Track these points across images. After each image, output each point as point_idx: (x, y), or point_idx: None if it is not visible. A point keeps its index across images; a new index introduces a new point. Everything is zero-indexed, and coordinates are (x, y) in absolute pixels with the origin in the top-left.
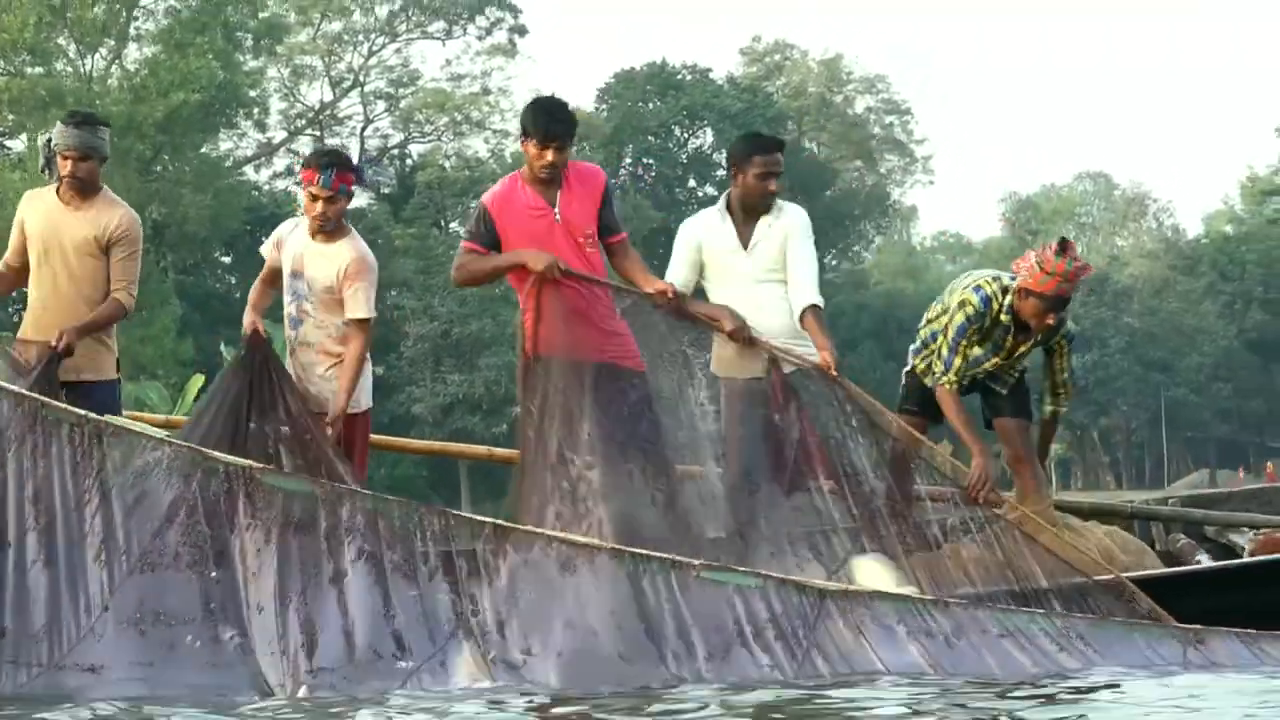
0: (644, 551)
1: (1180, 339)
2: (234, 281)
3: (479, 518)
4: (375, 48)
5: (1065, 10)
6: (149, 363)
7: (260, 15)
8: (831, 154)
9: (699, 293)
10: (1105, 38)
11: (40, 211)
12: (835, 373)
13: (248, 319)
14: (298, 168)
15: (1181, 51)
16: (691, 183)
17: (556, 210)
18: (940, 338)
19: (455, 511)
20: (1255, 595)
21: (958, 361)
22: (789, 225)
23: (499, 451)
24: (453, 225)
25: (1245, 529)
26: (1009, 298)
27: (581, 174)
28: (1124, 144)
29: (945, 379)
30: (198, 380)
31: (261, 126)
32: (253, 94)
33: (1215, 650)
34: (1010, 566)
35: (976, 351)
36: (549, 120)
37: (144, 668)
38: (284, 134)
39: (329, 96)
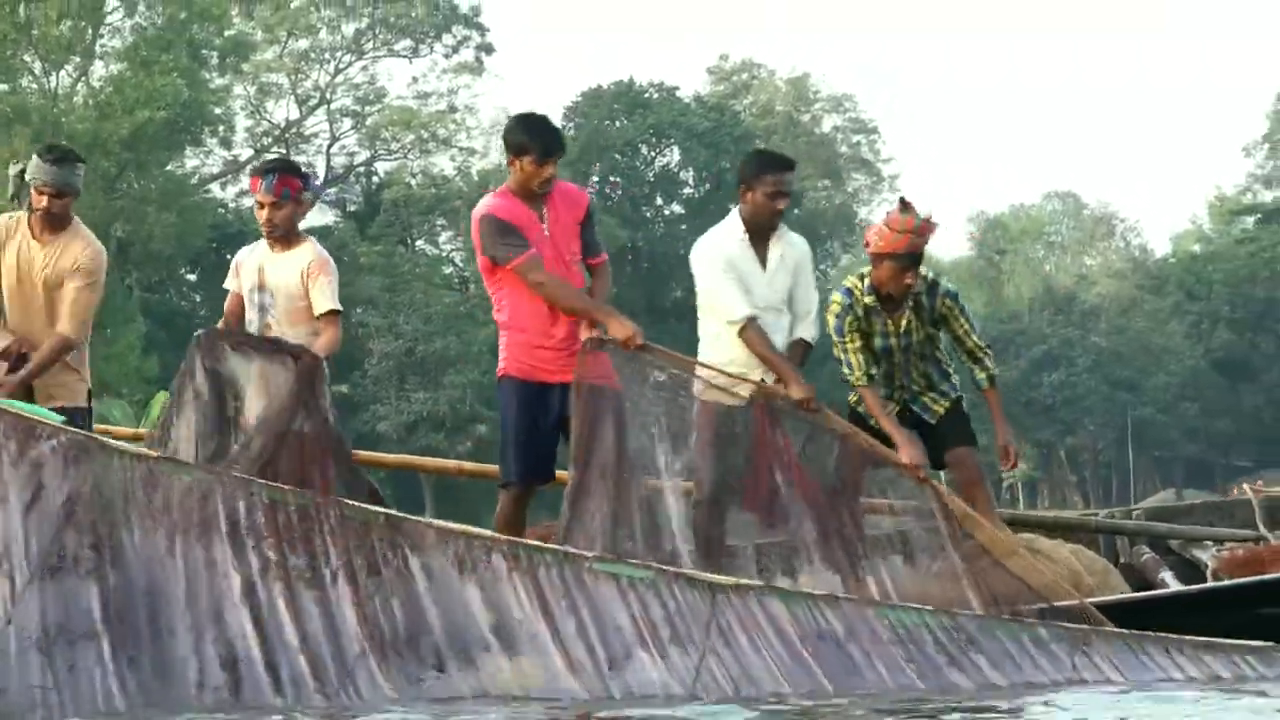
0: (537, 544)
1: (1147, 358)
2: (199, 299)
3: (373, 508)
4: (342, 65)
5: (1033, 30)
6: (113, 380)
7: (226, 33)
8: (798, 173)
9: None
10: (1073, 57)
11: (15, 240)
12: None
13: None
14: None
15: (1149, 71)
16: (659, 201)
17: (545, 226)
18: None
19: (351, 502)
20: (1219, 618)
21: (855, 359)
22: (800, 257)
23: (469, 466)
24: (419, 243)
25: (1209, 543)
26: (866, 281)
27: (566, 194)
28: (1093, 163)
29: (855, 378)
30: (161, 397)
31: (227, 144)
32: (218, 111)
33: (1099, 655)
34: (974, 591)
35: (877, 343)
36: (550, 135)
37: (42, 691)
38: (250, 152)
39: (295, 114)
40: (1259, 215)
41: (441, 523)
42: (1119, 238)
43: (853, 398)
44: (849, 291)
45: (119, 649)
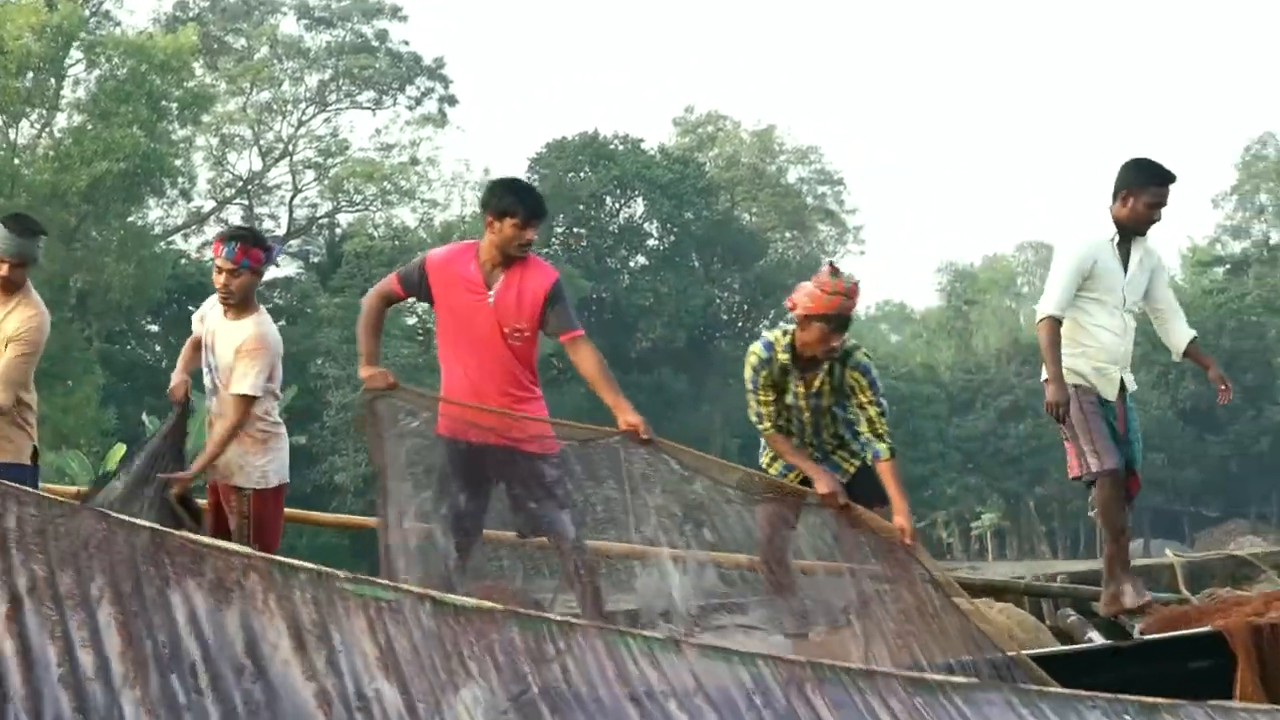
0: (293, 562)
1: None
2: (160, 350)
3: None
4: (305, 117)
5: (1006, 80)
6: (70, 432)
7: (186, 85)
8: (764, 224)
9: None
10: (1047, 107)
11: None
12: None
13: (175, 379)
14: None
15: (1123, 120)
16: (623, 252)
17: (492, 294)
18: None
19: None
20: (1148, 671)
21: (765, 410)
22: (1156, 262)
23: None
24: None
25: None
26: (788, 338)
27: (533, 268)
28: (1067, 214)
29: (763, 427)
30: (119, 450)
31: (187, 195)
32: (179, 163)
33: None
34: (917, 642)
35: (788, 399)
36: (536, 200)
37: None
38: (213, 203)
39: (258, 166)
40: (1228, 266)
41: (204, 539)
42: None
43: (764, 458)
44: (769, 345)
45: None
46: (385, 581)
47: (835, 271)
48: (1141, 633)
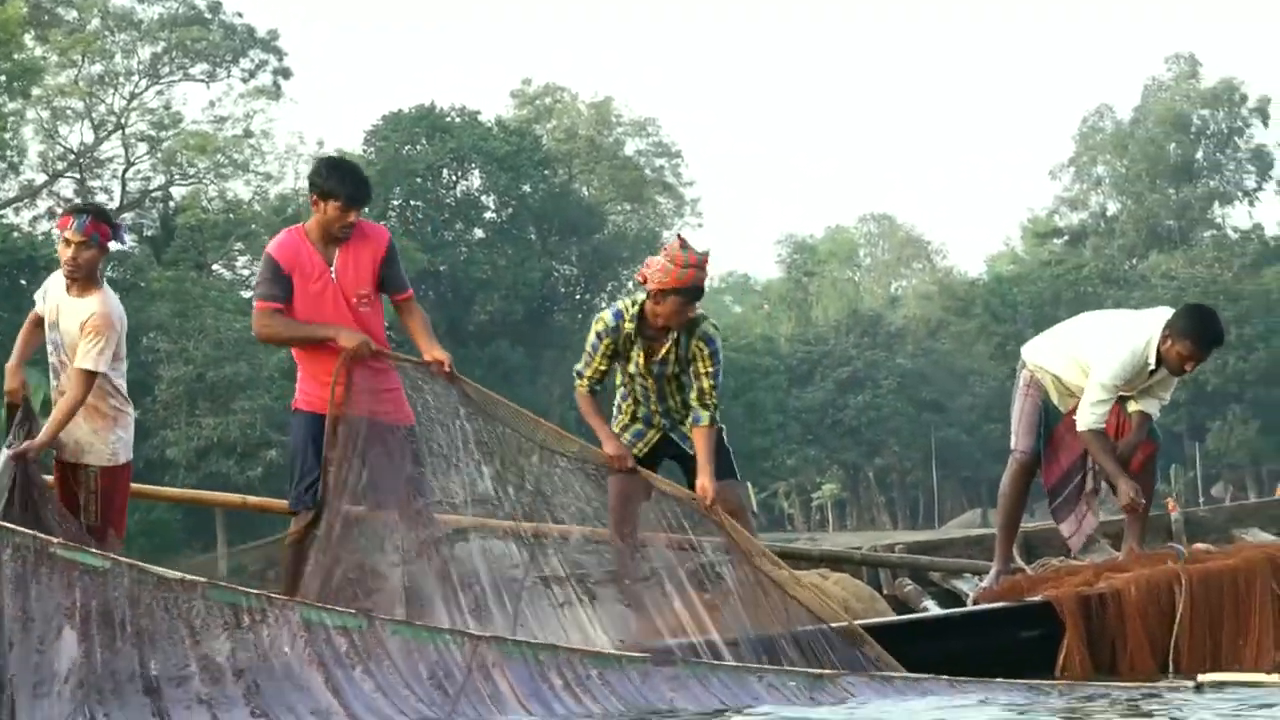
0: (9, 526)
1: (952, 380)
2: None
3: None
4: (137, 90)
5: (848, 53)
6: None
7: (15, 57)
8: (602, 196)
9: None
10: (887, 78)
11: None
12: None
13: (11, 379)
14: (60, 211)
15: (962, 91)
16: (460, 225)
17: (333, 270)
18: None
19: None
20: (979, 641)
21: (589, 372)
22: (1164, 376)
23: (253, 500)
24: (215, 267)
25: (967, 575)
26: (636, 308)
27: (365, 232)
28: (910, 187)
29: (582, 381)
30: None
31: (16, 169)
32: (8, 136)
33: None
34: (750, 614)
35: (631, 369)
36: (359, 184)
37: None
38: (44, 176)
39: (90, 139)
40: (1065, 238)
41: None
42: (927, 260)
43: (616, 425)
44: (619, 314)
45: None
46: (98, 551)
47: (684, 244)
48: (975, 602)
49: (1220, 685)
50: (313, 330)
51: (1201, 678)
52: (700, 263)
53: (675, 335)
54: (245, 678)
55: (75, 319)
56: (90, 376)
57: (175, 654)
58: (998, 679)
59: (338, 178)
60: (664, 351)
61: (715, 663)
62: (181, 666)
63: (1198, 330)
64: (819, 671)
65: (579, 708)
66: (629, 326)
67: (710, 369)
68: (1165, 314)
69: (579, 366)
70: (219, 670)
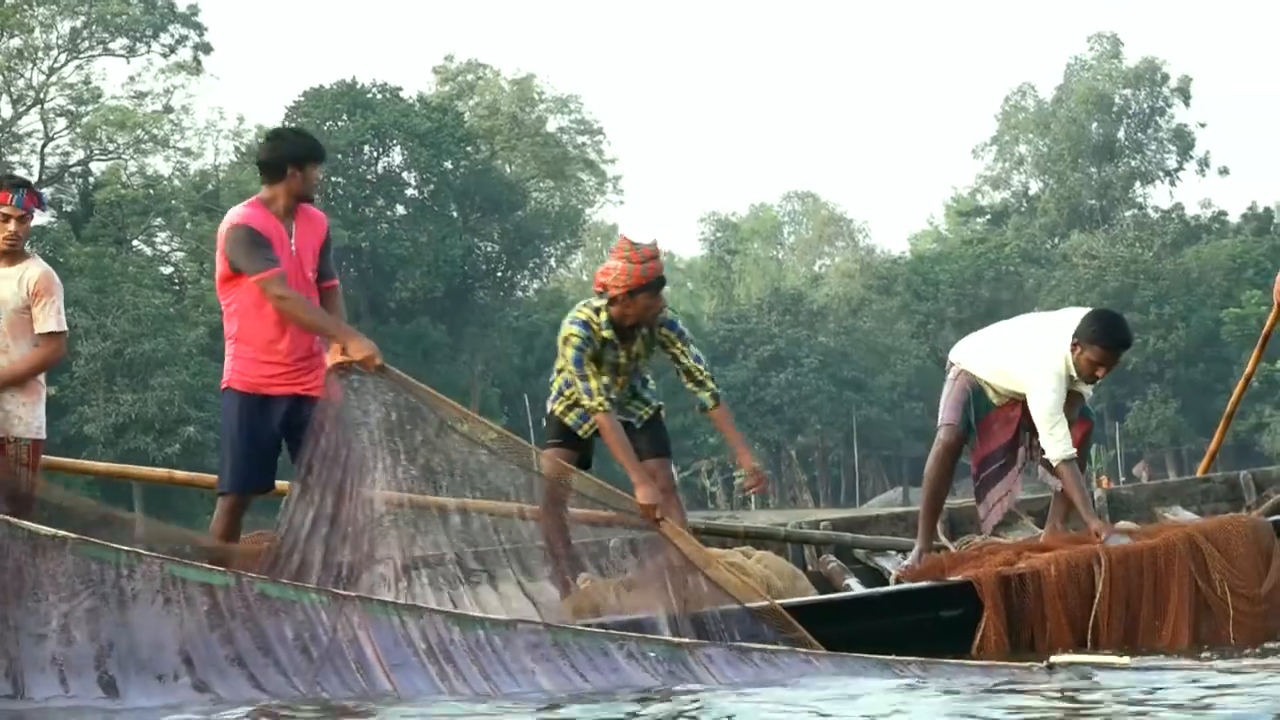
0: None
1: (874, 358)
2: None
3: None
4: (56, 64)
5: (771, 28)
6: None
7: None
8: (523, 173)
9: None
10: (810, 55)
11: None
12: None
13: None
14: None
15: (885, 69)
16: (381, 202)
17: (293, 242)
18: (572, 380)
19: None
20: (901, 620)
21: (594, 384)
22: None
23: (179, 474)
24: (135, 243)
25: (891, 552)
26: (604, 315)
27: (309, 215)
28: (833, 165)
29: (594, 404)
30: None
31: None
32: None
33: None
34: (669, 593)
35: (605, 375)
36: (316, 140)
37: None
38: None
39: (8, 113)
40: (988, 216)
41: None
42: (849, 238)
43: (558, 406)
44: (585, 325)
45: None
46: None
47: (632, 243)
48: (896, 580)
49: (1072, 666)
50: (327, 323)
51: (1054, 659)
52: (655, 254)
53: (645, 330)
54: (99, 639)
55: (13, 288)
56: (58, 338)
57: (37, 612)
58: (852, 654)
59: (308, 141)
60: (636, 348)
61: (578, 627)
62: (42, 625)
63: (1104, 337)
64: (678, 640)
65: (443, 684)
66: (605, 334)
67: (685, 348)
68: (1072, 323)
69: (579, 392)
70: (76, 631)
